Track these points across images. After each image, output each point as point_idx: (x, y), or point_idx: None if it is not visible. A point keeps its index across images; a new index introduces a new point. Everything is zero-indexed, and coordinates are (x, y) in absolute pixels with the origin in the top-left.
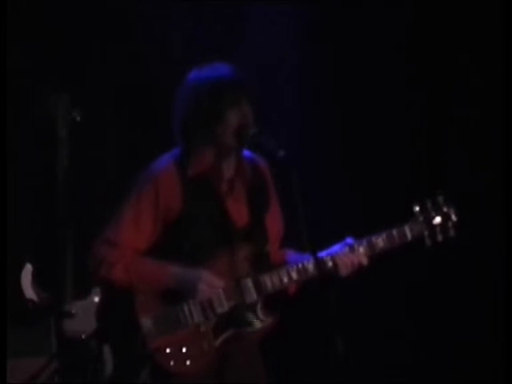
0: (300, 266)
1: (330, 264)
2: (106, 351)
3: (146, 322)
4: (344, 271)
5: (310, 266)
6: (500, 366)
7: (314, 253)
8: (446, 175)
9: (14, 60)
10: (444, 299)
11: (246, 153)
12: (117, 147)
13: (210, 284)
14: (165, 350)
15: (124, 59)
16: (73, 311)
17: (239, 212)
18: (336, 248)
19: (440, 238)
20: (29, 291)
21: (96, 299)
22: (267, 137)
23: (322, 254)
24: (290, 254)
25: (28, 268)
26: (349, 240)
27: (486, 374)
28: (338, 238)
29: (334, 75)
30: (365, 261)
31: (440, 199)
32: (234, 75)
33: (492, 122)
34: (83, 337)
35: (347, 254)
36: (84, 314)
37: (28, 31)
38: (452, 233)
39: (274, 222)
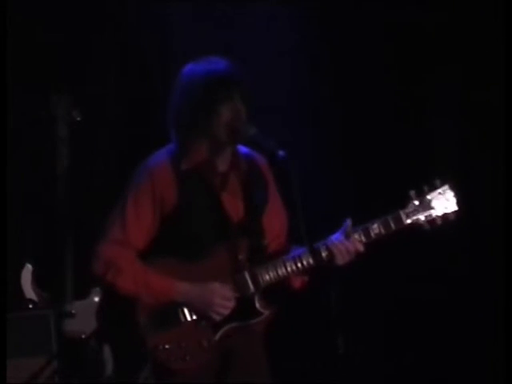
0: (296, 257)
1: (326, 253)
2: (106, 351)
3: (145, 319)
4: (340, 259)
5: (306, 256)
6: (501, 363)
7: (310, 245)
8: (442, 161)
9: (14, 60)
10: (446, 297)
11: (243, 148)
12: (117, 147)
13: (224, 297)
14: (164, 346)
15: (124, 59)
16: (73, 311)
17: (234, 206)
18: (331, 237)
19: (439, 221)
20: (29, 291)
21: (96, 299)
22: (266, 136)
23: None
24: (295, 249)
25: (28, 268)
26: (343, 228)
27: (488, 375)
28: (335, 229)
29: (331, 68)
30: (361, 248)
31: (437, 183)
32: (227, 69)
33: (492, 109)
34: (83, 337)
35: (342, 242)
36: (84, 313)
37: (28, 31)
38: (451, 216)
39: (275, 216)
